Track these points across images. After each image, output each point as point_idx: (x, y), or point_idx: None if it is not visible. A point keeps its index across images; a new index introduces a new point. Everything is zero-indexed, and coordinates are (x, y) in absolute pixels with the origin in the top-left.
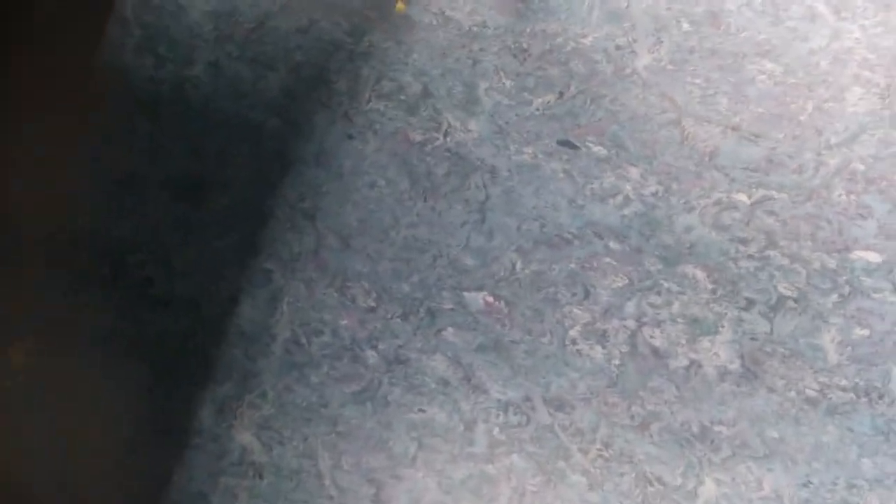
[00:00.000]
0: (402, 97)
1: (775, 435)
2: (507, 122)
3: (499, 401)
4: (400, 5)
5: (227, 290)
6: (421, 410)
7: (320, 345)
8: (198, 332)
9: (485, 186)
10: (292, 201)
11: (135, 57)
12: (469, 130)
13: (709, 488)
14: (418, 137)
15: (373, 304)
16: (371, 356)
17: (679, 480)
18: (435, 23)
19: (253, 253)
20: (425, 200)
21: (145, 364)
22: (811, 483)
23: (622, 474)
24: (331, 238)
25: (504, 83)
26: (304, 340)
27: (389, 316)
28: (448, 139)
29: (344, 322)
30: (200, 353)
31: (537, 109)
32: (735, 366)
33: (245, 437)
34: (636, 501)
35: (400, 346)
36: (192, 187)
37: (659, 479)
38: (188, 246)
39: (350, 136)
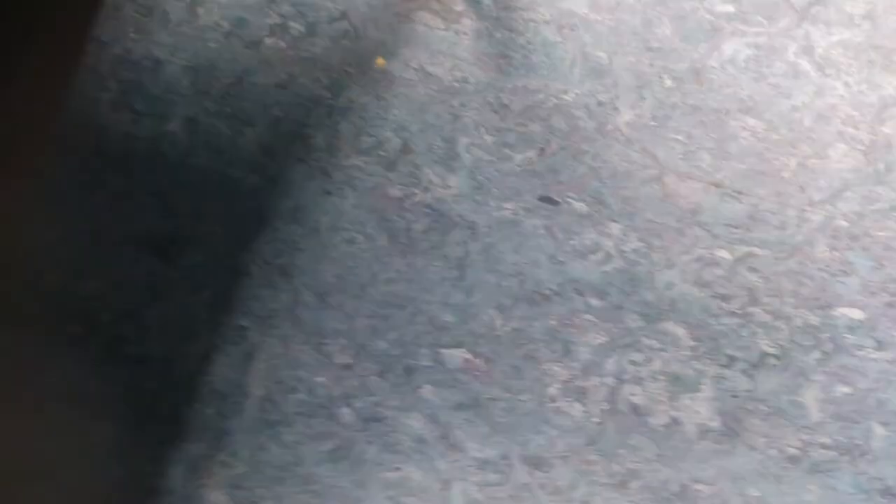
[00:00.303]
0: (382, 153)
1: (756, 493)
2: (487, 178)
3: (476, 459)
4: (380, 61)
5: (200, 347)
6: (397, 469)
7: (295, 402)
8: (170, 391)
9: (464, 243)
10: (268, 257)
11: (111, 112)
12: (449, 186)
13: None
14: (397, 193)
15: (349, 361)
16: (346, 414)
17: None
18: (415, 78)
19: (227, 310)
20: (404, 257)
21: (116, 423)
22: None
23: None
24: (307, 295)
25: (484, 139)
26: (278, 398)
27: (366, 373)
28: (427, 195)
29: (320, 379)
30: (172, 412)
31: (518, 165)
32: (716, 423)
33: (217, 496)
34: None
35: (376, 404)
36: (165, 244)
37: None
38: (161, 303)
39: (328, 192)
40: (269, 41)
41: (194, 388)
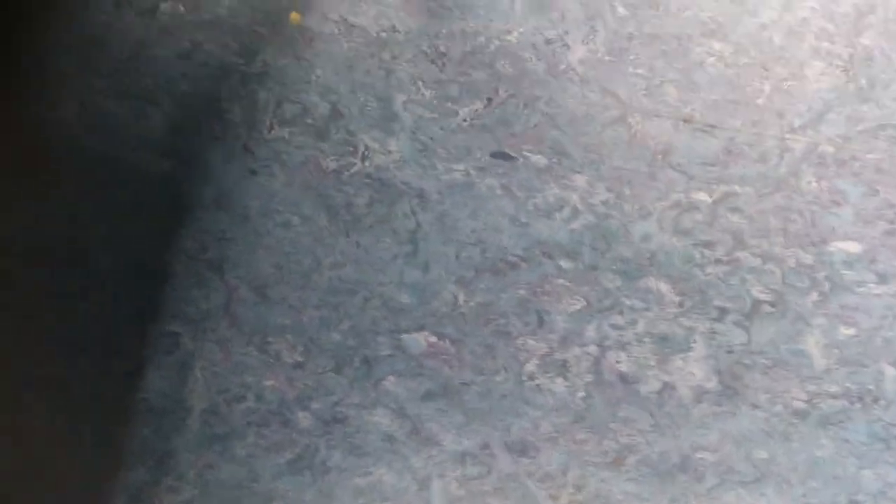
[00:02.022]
0: (309, 121)
1: (764, 455)
2: (431, 139)
3: (454, 452)
4: (294, 16)
5: (128, 362)
6: (367, 473)
7: (244, 412)
8: (99, 414)
9: (414, 213)
10: (193, 253)
11: None
12: (389, 152)
13: None
14: (332, 165)
15: (300, 359)
16: (304, 418)
17: None
18: (337, 32)
19: (153, 317)
20: (348, 236)
21: (41, 455)
22: None
23: None
24: (243, 290)
25: (423, 94)
26: (224, 409)
27: (320, 370)
28: (367, 164)
29: (269, 383)
30: (104, 436)
31: (464, 120)
32: (712, 384)
33: None
34: None
35: (336, 404)
36: (68, 251)
37: None
38: (75, 319)
39: (253, 172)
40: (165, 6)
41: (127, 407)
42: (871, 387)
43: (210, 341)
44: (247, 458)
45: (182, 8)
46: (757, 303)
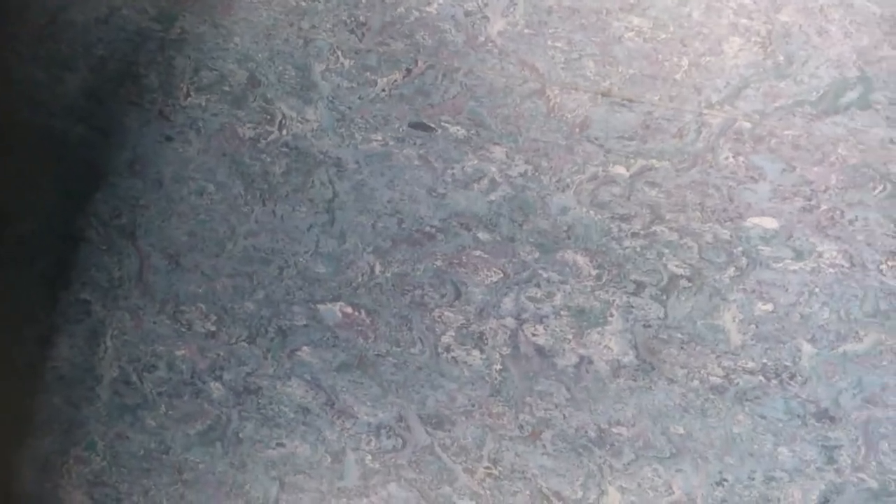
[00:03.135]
0: (226, 88)
1: (681, 431)
2: (349, 108)
3: (369, 424)
4: None
5: (38, 329)
6: (280, 445)
7: (155, 381)
8: (7, 382)
9: (331, 182)
10: (106, 219)
11: None
12: (307, 120)
13: (613, 498)
14: (249, 133)
15: (212, 328)
16: (216, 389)
17: (579, 493)
18: (256, 0)
19: (64, 284)
20: (264, 204)
21: None
22: (725, 481)
23: (515, 493)
24: (156, 257)
25: (342, 63)
26: (134, 378)
27: (233, 340)
28: (284, 132)
29: (181, 353)
30: (13, 405)
31: (383, 90)
32: (629, 358)
33: (75, 496)
34: None
35: (249, 374)
36: None
37: (557, 494)
38: None
39: (168, 138)
40: None
41: (35, 376)
42: (787, 363)
43: (121, 309)
44: (157, 429)
45: None
46: (674, 277)
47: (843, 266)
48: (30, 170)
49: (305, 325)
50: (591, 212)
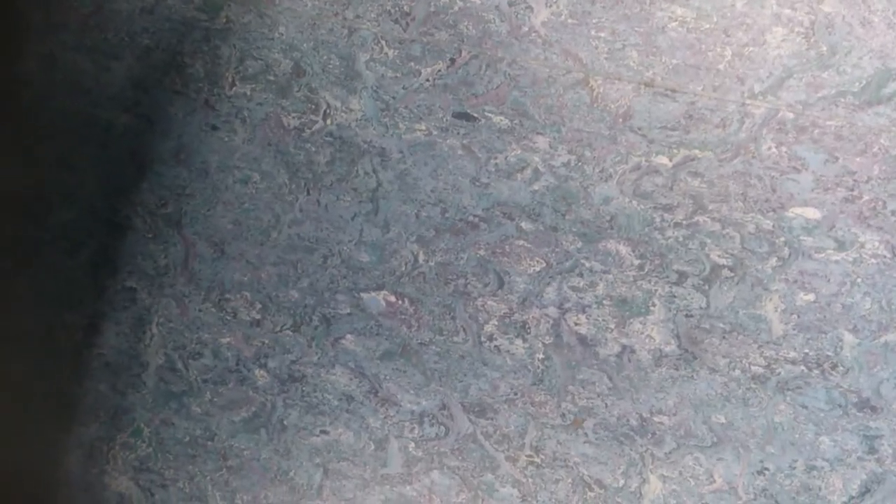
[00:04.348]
0: (271, 77)
1: (722, 420)
2: (393, 98)
3: (412, 412)
4: None
5: (83, 317)
6: (323, 432)
7: (200, 369)
8: (54, 369)
9: (375, 172)
10: (152, 207)
11: None
12: (351, 110)
13: (654, 486)
14: (294, 122)
15: (257, 316)
16: (261, 376)
17: (621, 481)
18: None
19: (111, 271)
20: (308, 193)
21: None
22: (767, 469)
23: (557, 481)
24: (202, 246)
25: (386, 53)
26: (180, 366)
27: (278, 328)
28: (328, 122)
29: (226, 340)
30: (59, 392)
31: (427, 80)
32: (671, 347)
33: (121, 482)
34: None
35: (293, 362)
36: (30, 201)
37: (598, 482)
38: (32, 270)
39: (214, 127)
40: None
41: (82, 362)
42: (829, 353)
43: (167, 297)
44: (203, 416)
45: None
46: (716, 267)
47: (884, 256)
48: (75, 158)
49: (349, 314)
50: (634, 202)
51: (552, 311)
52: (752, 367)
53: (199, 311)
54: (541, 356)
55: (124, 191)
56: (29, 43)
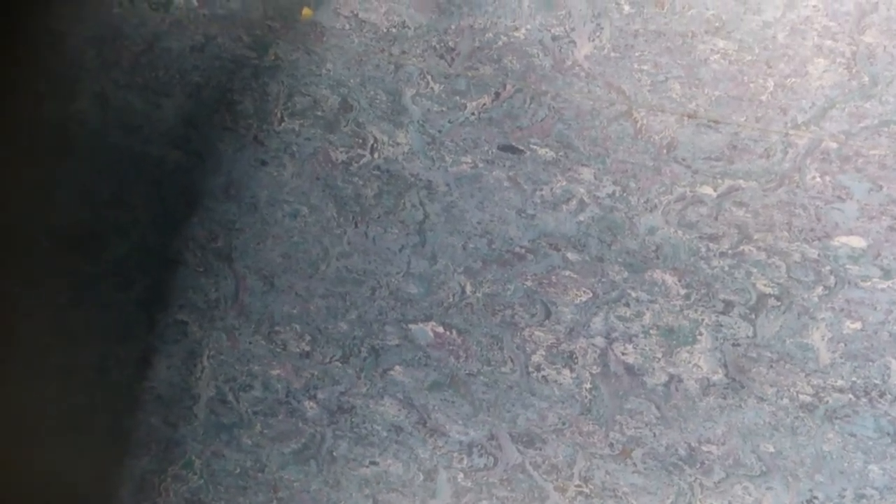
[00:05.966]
0: (319, 113)
1: (771, 449)
2: (439, 131)
3: (461, 443)
4: (306, 11)
5: (136, 349)
6: (373, 463)
7: (250, 401)
8: (107, 402)
9: (422, 204)
10: (203, 242)
11: (9, 96)
12: (398, 144)
13: None
14: (341, 156)
15: (307, 348)
16: (310, 408)
17: None
18: (348, 27)
19: (162, 305)
20: (356, 226)
21: (48, 443)
22: (816, 498)
23: None
24: (252, 279)
25: (432, 88)
26: (231, 398)
27: (327, 360)
28: (375, 155)
29: (276, 372)
30: (112, 425)
31: (472, 114)
32: (719, 376)
33: None
34: None
35: (342, 393)
36: (84, 237)
37: None
38: (86, 304)
39: (263, 163)
40: (178, 0)
41: (134, 395)
42: (877, 381)
43: (218, 330)
44: (253, 447)
45: (195, 2)
46: (762, 296)
47: None
48: (127, 195)
49: (398, 345)
50: (679, 232)
51: (599, 340)
52: (800, 396)
53: (250, 343)
54: (588, 386)
55: (176, 226)
56: (82, 82)
